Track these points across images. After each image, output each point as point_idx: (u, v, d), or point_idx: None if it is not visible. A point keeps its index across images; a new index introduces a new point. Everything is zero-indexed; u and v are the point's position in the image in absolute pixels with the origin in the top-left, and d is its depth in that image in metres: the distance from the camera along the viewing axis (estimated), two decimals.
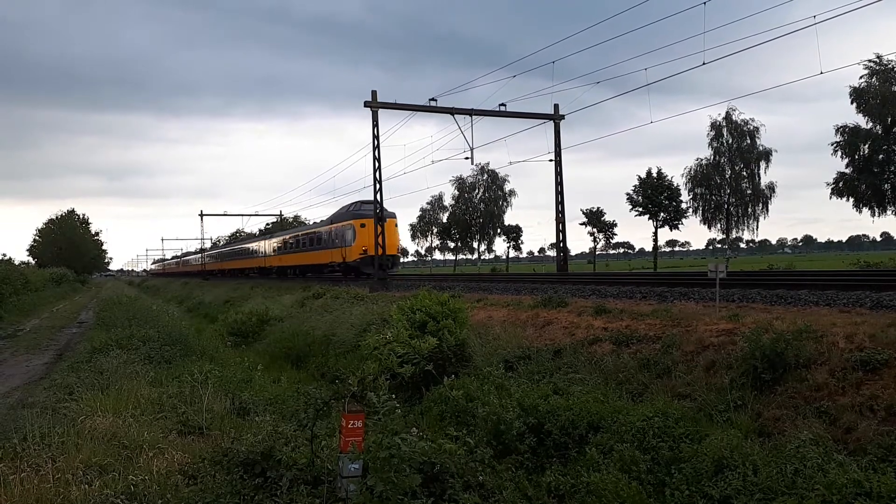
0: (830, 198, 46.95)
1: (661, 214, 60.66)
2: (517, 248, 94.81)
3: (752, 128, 55.47)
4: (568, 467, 7.61)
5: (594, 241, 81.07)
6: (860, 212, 45.78)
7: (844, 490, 5.52)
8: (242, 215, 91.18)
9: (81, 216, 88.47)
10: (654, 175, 61.67)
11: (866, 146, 44.65)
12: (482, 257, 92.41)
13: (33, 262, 78.13)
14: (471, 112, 28.41)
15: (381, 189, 27.76)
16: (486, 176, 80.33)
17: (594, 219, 77.35)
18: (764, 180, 56.43)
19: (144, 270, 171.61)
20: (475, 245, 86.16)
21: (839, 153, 45.44)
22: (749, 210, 56.89)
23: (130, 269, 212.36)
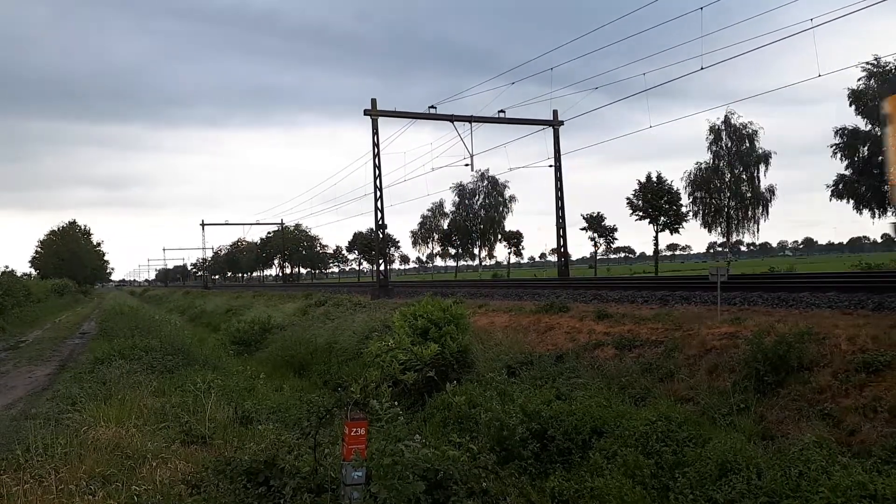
0: (830, 200, 46.93)
1: (662, 218, 60.57)
2: (518, 253, 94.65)
3: (750, 131, 55.43)
4: (572, 472, 7.60)
5: (595, 245, 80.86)
6: (860, 213, 45.78)
7: (849, 493, 5.51)
8: (244, 224, 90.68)
9: (82, 227, 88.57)
10: (654, 179, 61.60)
11: (865, 148, 44.66)
12: (483, 263, 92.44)
13: (35, 273, 78.21)
14: (470, 119, 28.47)
15: (381, 196, 27.82)
16: (486, 182, 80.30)
17: (595, 223, 77.22)
18: (764, 183, 56.46)
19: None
20: (476, 251, 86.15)
21: (838, 155, 45.48)
22: (749, 213, 56.93)
23: (132, 279, 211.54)
